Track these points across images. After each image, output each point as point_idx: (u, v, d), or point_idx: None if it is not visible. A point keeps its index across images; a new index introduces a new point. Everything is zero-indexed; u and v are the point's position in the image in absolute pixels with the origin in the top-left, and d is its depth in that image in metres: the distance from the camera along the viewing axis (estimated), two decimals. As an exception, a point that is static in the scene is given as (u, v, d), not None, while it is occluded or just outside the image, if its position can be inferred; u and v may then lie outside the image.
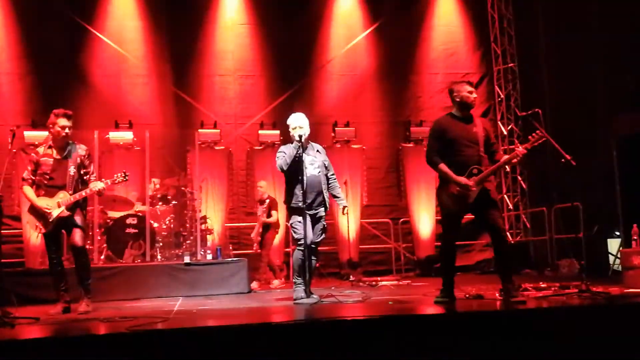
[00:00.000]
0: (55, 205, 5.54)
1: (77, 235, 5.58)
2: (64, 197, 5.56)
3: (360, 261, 10.15)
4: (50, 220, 5.52)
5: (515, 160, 5.15)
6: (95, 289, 7.11)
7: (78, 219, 5.63)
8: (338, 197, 6.17)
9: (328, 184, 6.11)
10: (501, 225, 5.12)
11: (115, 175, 5.76)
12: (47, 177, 5.60)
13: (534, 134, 5.05)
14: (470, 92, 5.19)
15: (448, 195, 5.10)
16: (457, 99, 5.22)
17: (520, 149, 5.05)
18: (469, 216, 5.30)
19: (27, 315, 4.93)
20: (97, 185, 5.61)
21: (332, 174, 6.19)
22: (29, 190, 5.64)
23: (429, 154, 5.23)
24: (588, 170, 9.17)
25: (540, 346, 3.96)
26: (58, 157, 5.67)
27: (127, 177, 5.79)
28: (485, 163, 5.11)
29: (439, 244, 5.62)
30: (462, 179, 5.01)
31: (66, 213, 5.55)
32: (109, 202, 8.74)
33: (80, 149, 5.76)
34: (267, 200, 9.11)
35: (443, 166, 5.11)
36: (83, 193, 5.61)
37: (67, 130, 5.62)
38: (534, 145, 5.05)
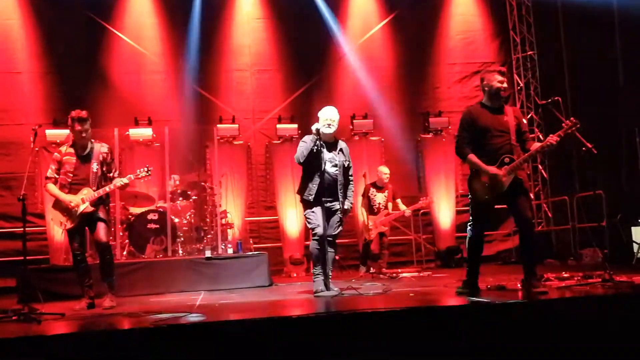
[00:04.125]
0: (80, 201, 5.62)
1: (101, 232, 5.67)
2: (88, 193, 5.65)
3: (380, 253, 10.12)
4: (76, 215, 5.60)
5: (547, 148, 5.00)
6: (118, 284, 7.19)
7: (101, 214, 5.72)
8: (346, 199, 6.05)
9: (345, 171, 6.07)
10: (529, 216, 5.07)
11: (138, 171, 5.87)
12: (71, 175, 5.70)
13: (567, 122, 4.95)
14: (502, 82, 5.11)
15: (479, 184, 5.06)
16: (487, 89, 5.17)
17: (553, 137, 4.93)
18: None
19: (53, 312, 5.01)
20: (121, 181, 5.69)
21: (350, 175, 6.15)
22: (52, 187, 5.73)
23: (459, 144, 5.18)
24: (610, 158, 9.09)
25: (563, 336, 3.93)
26: (80, 155, 5.75)
27: (149, 172, 5.88)
28: (517, 152, 5.04)
29: (460, 234, 5.57)
30: (492, 169, 4.96)
31: (90, 209, 5.64)
32: (130, 198, 8.83)
33: (103, 147, 5.85)
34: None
35: (472, 156, 5.06)
36: (107, 189, 5.70)
37: (83, 133, 5.69)
38: (567, 133, 4.96)
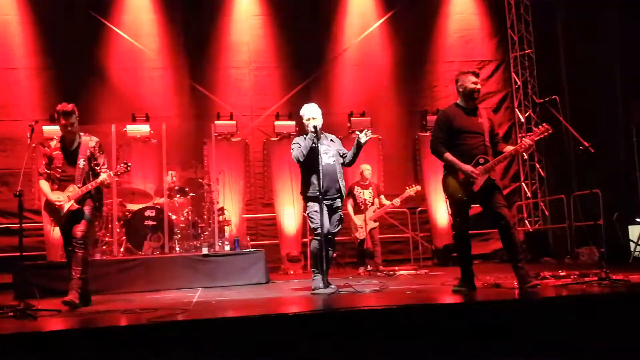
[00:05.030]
0: (66, 199, 5.52)
1: (78, 228, 5.50)
2: (74, 190, 5.53)
3: (374, 250, 10.13)
4: (62, 214, 5.53)
5: (521, 151, 5.17)
6: (115, 281, 7.23)
7: (86, 210, 5.57)
8: (355, 146, 5.95)
9: (343, 159, 6.08)
10: (505, 213, 5.08)
11: (118, 167, 5.68)
12: (59, 170, 5.60)
13: (539, 127, 5.08)
14: (475, 83, 5.21)
15: (454, 182, 5.14)
16: (461, 90, 5.27)
17: (526, 141, 5.07)
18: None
19: (49, 308, 5.00)
20: (99, 178, 5.54)
21: (345, 152, 6.14)
22: (44, 184, 5.63)
23: (434, 143, 5.27)
24: (607, 157, 9.10)
25: (559, 334, 3.94)
26: (68, 150, 5.65)
27: (128, 168, 5.67)
28: (490, 154, 5.15)
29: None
30: (468, 167, 5.04)
31: (76, 206, 5.52)
32: (128, 195, 8.82)
33: (91, 141, 5.71)
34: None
35: (448, 155, 5.15)
36: (89, 186, 5.55)
37: (69, 127, 5.57)
38: (539, 138, 5.05)
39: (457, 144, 5.14)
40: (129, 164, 5.74)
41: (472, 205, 5.26)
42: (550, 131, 5.01)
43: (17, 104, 10.16)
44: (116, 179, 5.65)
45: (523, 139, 5.13)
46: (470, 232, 5.32)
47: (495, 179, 5.14)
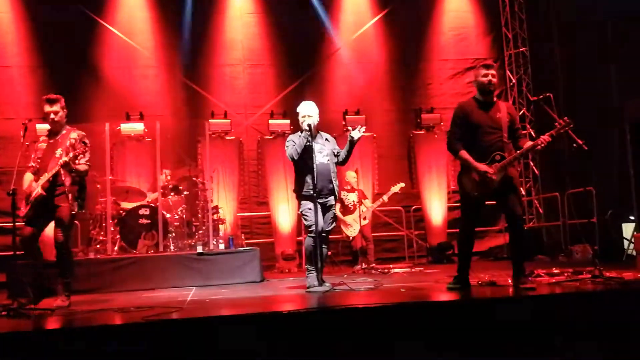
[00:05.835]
0: (37, 186, 5.41)
1: (58, 232, 5.41)
2: (43, 178, 5.40)
3: (367, 247, 10.14)
4: (29, 200, 5.40)
5: (538, 147, 4.99)
6: (109, 279, 7.20)
7: (62, 212, 5.42)
8: (348, 143, 6.00)
9: (337, 157, 6.08)
10: (519, 213, 5.06)
11: (78, 147, 5.43)
12: (39, 161, 5.53)
13: (560, 121, 4.98)
14: (486, 75, 5.11)
15: (469, 180, 5.07)
16: (475, 84, 5.21)
17: (545, 137, 4.94)
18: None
19: (43, 307, 4.98)
20: (60, 160, 5.32)
21: (339, 151, 6.15)
22: (26, 176, 5.54)
23: (450, 140, 5.20)
24: (601, 155, 9.13)
25: (552, 332, 3.95)
26: (50, 141, 5.58)
27: (87, 148, 5.45)
28: (509, 149, 5.05)
29: (452, 230, 5.58)
30: (483, 166, 4.97)
31: (40, 192, 5.36)
32: (122, 193, 8.80)
33: (73, 133, 5.57)
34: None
35: (464, 153, 5.07)
36: (54, 171, 5.35)
37: (52, 115, 5.49)
38: (559, 133, 4.99)
39: (474, 140, 5.05)
40: (87, 143, 5.51)
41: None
42: (571, 125, 4.94)
43: (10, 102, 10.12)
44: (84, 163, 5.45)
45: (542, 136, 4.98)
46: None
47: (513, 176, 5.05)
